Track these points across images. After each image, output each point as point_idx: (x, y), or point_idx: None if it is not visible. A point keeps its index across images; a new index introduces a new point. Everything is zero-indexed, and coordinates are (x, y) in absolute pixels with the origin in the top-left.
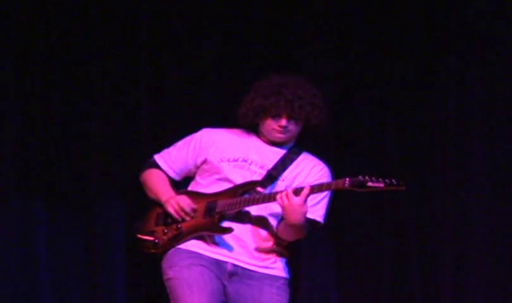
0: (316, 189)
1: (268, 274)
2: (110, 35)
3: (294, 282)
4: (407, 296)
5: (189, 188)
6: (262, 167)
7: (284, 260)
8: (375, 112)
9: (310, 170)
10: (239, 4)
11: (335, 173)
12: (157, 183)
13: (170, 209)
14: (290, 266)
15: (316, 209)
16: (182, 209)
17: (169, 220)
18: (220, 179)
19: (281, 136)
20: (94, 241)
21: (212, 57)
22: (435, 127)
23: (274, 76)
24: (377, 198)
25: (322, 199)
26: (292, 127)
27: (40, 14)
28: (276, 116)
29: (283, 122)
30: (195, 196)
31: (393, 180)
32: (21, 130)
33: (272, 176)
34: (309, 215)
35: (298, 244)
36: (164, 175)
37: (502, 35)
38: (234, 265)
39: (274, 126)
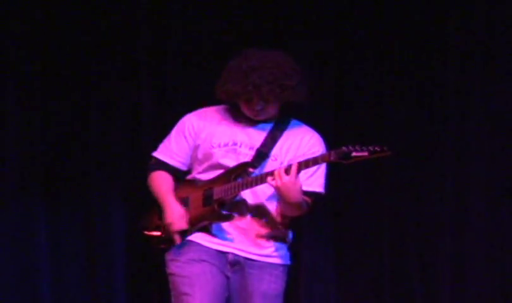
0: (303, 165)
1: (269, 263)
2: (110, 33)
3: (294, 269)
4: (406, 282)
5: (188, 176)
6: (251, 148)
7: (285, 246)
8: (373, 111)
9: (299, 141)
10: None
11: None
12: (160, 187)
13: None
14: (291, 252)
15: (314, 180)
16: (170, 226)
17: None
18: (213, 165)
19: (258, 117)
20: (94, 241)
21: (212, 52)
22: (435, 125)
23: (244, 55)
24: (377, 186)
25: (318, 168)
26: (267, 108)
27: (39, 13)
28: (248, 100)
29: (256, 106)
30: (192, 184)
31: (376, 147)
32: (21, 130)
33: (262, 153)
34: (308, 188)
35: (298, 232)
36: (165, 178)
37: (503, 34)
38: (236, 255)
39: (248, 109)
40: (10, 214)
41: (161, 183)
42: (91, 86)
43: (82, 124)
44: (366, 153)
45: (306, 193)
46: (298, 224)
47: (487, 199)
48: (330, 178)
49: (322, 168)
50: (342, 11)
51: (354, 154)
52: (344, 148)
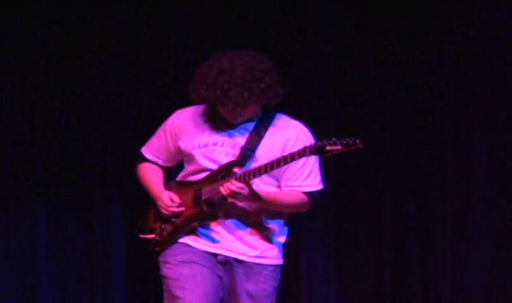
0: (282, 161)
1: (258, 263)
2: (112, 35)
3: (295, 269)
4: (406, 282)
5: (179, 175)
6: (233, 147)
7: (276, 246)
8: (373, 112)
9: (284, 142)
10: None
11: None
12: (146, 179)
13: (160, 210)
14: (289, 252)
15: (311, 179)
16: (168, 208)
17: (164, 216)
18: (199, 169)
19: (236, 121)
20: (94, 241)
21: (213, 52)
22: (435, 127)
23: (213, 58)
24: (377, 185)
25: (312, 167)
26: (243, 111)
27: (40, 13)
28: (221, 105)
29: (231, 111)
30: (183, 185)
31: (349, 141)
32: (21, 130)
33: (248, 150)
34: (306, 189)
35: (299, 232)
36: (154, 168)
37: (504, 33)
38: (225, 256)
39: (225, 112)
40: (10, 214)
41: (150, 173)
42: (92, 86)
43: (82, 123)
44: (339, 147)
45: (306, 193)
46: (297, 223)
47: (488, 198)
48: (331, 178)
49: (316, 166)
50: (344, 8)
51: (328, 148)
52: (319, 143)
